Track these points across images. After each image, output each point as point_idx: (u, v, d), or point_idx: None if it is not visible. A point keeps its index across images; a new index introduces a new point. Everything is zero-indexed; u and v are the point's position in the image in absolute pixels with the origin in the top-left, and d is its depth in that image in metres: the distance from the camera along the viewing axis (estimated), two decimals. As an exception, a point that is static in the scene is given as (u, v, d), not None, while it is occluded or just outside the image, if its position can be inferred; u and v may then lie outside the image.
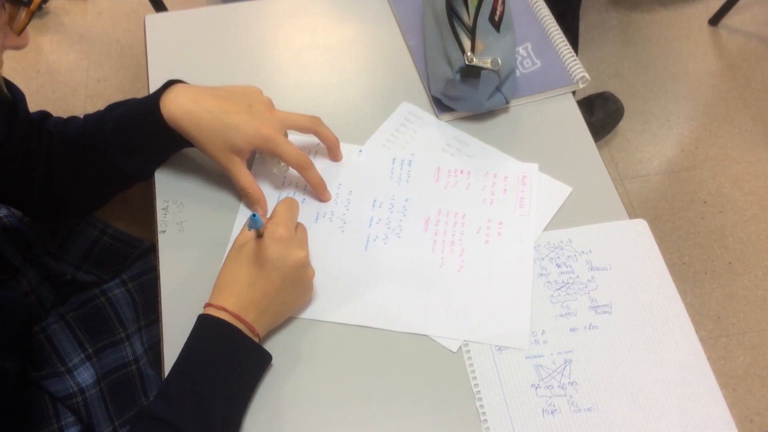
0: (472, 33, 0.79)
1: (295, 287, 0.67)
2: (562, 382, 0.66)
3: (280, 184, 0.80)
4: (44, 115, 0.81)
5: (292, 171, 0.78)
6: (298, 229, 0.70)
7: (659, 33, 2.04)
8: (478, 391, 0.66)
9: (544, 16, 0.92)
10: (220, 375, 0.63)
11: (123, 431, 0.81)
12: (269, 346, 0.68)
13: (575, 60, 0.87)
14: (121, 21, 2.10)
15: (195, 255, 0.75)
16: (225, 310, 0.64)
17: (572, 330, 0.69)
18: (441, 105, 0.85)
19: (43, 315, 0.86)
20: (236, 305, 0.65)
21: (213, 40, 0.94)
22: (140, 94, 0.76)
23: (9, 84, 0.74)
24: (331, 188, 0.79)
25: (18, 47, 0.64)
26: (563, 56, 0.88)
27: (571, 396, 0.65)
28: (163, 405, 0.61)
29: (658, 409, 0.65)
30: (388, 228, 0.77)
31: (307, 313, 0.71)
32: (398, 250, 0.75)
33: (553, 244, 0.75)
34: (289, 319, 0.70)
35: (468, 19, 0.81)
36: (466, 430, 0.64)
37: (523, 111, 0.86)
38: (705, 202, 1.72)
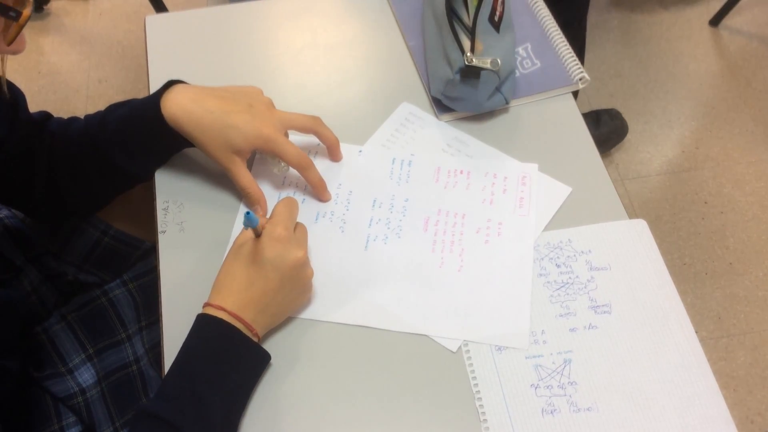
0: (471, 33, 0.79)
1: (293, 287, 0.67)
2: (561, 382, 0.66)
3: (280, 184, 0.80)
4: (46, 116, 0.81)
5: (292, 171, 0.78)
6: (298, 228, 0.70)
7: (660, 34, 2.04)
8: (478, 391, 0.66)
9: (544, 17, 0.92)
10: (218, 374, 0.63)
11: (124, 431, 0.81)
12: (268, 345, 0.68)
13: (575, 60, 0.87)
14: (122, 22, 2.10)
15: (195, 255, 0.75)
16: (223, 309, 0.64)
17: (572, 330, 0.69)
18: (441, 105, 0.85)
19: (44, 315, 0.86)
20: (234, 305, 0.65)
21: (213, 41, 0.95)
22: (141, 95, 0.76)
23: (9, 84, 0.74)
24: (331, 188, 0.79)
25: (13, 53, 0.65)
26: (563, 56, 0.88)
27: (570, 396, 0.65)
28: (162, 404, 0.61)
29: (658, 409, 0.65)
30: (388, 228, 0.77)
31: (307, 313, 0.71)
32: (398, 250, 0.75)
33: (553, 244, 0.75)
34: (288, 319, 0.71)
35: (468, 20, 0.82)
36: (466, 430, 0.65)
37: (523, 111, 0.86)
38: (706, 203, 1.72)
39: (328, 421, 0.65)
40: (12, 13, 0.60)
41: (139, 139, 0.75)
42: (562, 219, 0.77)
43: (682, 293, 0.71)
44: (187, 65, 0.92)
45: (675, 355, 0.68)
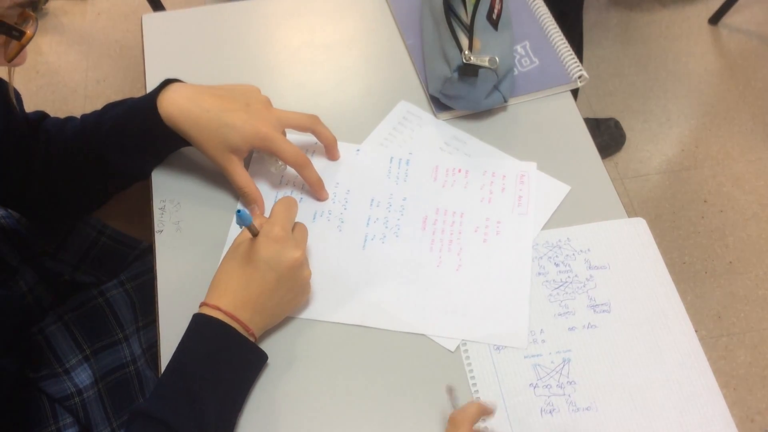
0: (469, 31, 0.79)
1: (290, 288, 0.67)
2: (560, 382, 0.66)
3: (278, 183, 0.80)
4: (42, 116, 0.80)
5: (289, 170, 0.78)
6: (297, 228, 0.70)
7: (659, 32, 2.04)
8: (476, 391, 0.65)
9: (543, 15, 0.92)
10: (213, 373, 0.62)
11: (121, 432, 0.81)
12: (265, 345, 0.68)
13: (574, 58, 0.87)
14: (120, 22, 2.10)
15: (192, 255, 0.75)
16: (219, 309, 0.64)
17: (570, 329, 0.69)
18: (439, 104, 0.85)
19: (40, 316, 0.86)
20: (231, 304, 0.64)
21: (211, 40, 0.94)
22: (139, 95, 0.76)
23: (2, 82, 0.74)
24: (329, 187, 0.79)
25: (13, 66, 0.65)
26: (562, 54, 0.88)
27: (569, 395, 0.65)
28: (157, 404, 0.61)
29: (657, 409, 0.64)
30: (386, 227, 0.76)
31: (304, 313, 0.71)
32: (396, 249, 0.75)
33: (552, 243, 0.74)
34: (285, 319, 0.70)
35: (466, 18, 0.81)
36: (465, 429, 0.64)
37: (522, 109, 0.86)
38: (705, 201, 1.72)
39: (326, 421, 0.65)
40: (15, 33, 0.60)
41: (135, 138, 0.75)
42: (560, 218, 0.77)
43: (682, 292, 0.71)
44: (185, 64, 0.91)
45: (674, 353, 0.67)
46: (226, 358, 0.63)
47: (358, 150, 0.83)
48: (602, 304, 0.70)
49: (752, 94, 1.90)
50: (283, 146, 0.74)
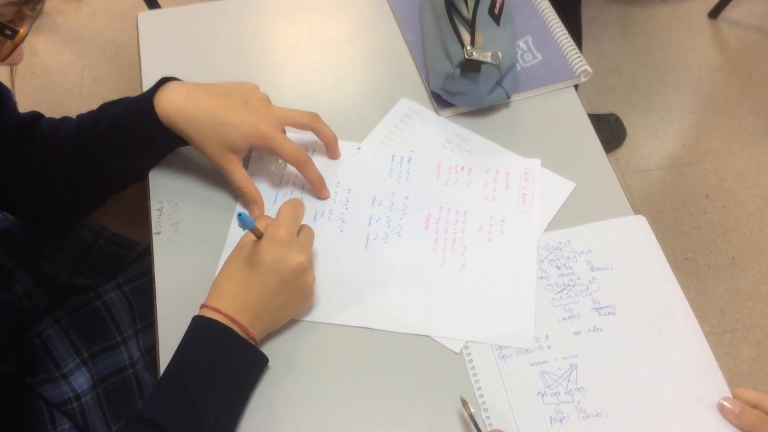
0: (471, 26, 0.78)
1: (293, 292, 0.65)
2: (568, 388, 0.64)
3: (278, 182, 0.79)
4: (36, 116, 0.79)
5: (290, 168, 0.76)
6: (303, 232, 0.68)
7: (659, 26, 2.03)
8: (484, 402, 0.64)
9: (545, 9, 0.90)
10: (212, 377, 0.61)
11: (120, 437, 0.79)
12: (266, 348, 0.67)
13: (577, 53, 0.86)
14: (116, 21, 2.08)
15: (191, 256, 0.73)
16: (219, 311, 0.63)
17: (576, 333, 0.67)
18: (440, 100, 0.84)
19: (37, 319, 0.85)
20: (231, 307, 0.63)
21: (208, 37, 0.93)
22: (135, 95, 0.74)
23: None
24: (330, 187, 0.78)
25: (9, 65, 0.63)
26: (565, 49, 0.87)
27: (578, 402, 0.64)
28: (154, 408, 0.60)
29: (668, 412, 0.63)
30: (388, 227, 0.75)
31: (306, 315, 0.70)
32: (399, 249, 0.74)
33: (552, 245, 0.73)
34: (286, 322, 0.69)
35: (467, 12, 0.80)
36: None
37: (525, 105, 0.85)
38: (707, 197, 1.70)
39: (328, 425, 0.64)
40: (8, 32, 0.59)
41: (132, 138, 0.74)
42: (565, 215, 0.75)
43: (685, 288, 0.70)
44: (181, 62, 0.90)
45: (683, 354, 0.66)
46: (226, 361, 0.62)
47: (359, 148, 0.81)
48: (607, 306, 0.69)
49: (753, 88, 1.88)
50: (282, 144, 0.73)
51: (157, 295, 0.71)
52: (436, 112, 0.84)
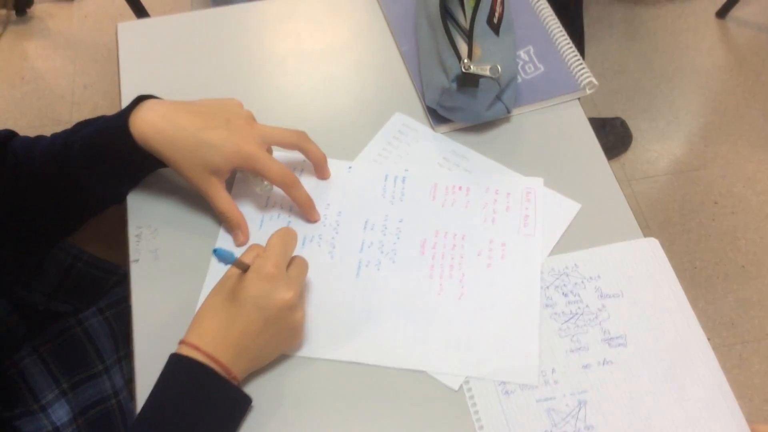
0: (468, 37, 0.73)
1: (279, 331, 0.61)
2: (577, 427, 0.60)
3: (264, 205, 0.74)
4: (9, 135, 0.75)
5: (276, 190, 0.73)
6: (294, 265, 0.64)
7: (665, 27, 1.98)
8: None
9: (547, 16, 0.86)
10: (190, 420, 0.57)
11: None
12: (249, 386, 0.63)
13: (581, 63, 0.81)
14: (108, 25, 2.04)
15: (170, 286, 0.69)
16: (198, 349, 0.59)
17: (585, 367, 0.63)
18: (437, 116, 0.79)
19: (14, 348, 0.81)
20: (210, 344, 0.59)
21: (191, 49, 0.88)
22: (126, 102, 0.70)
23: None
24: (319, 209, 0.74)
25: None
26: (568, 60, 0.82)
27: (587, 442, 0.59)
28: None
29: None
30: (381, 252, 0.71)
31: (293, 350, 0.65)
32: (392, 276, 0.69)
33: (558, 270, 0.68)
34: (271, 358, 0.65)
35: (464, 22, 0.76)
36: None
37: (526, 121, 0.80)
38: (716, 203, 1.66)
39: (317, 473, 0.60)
40: None
41: (106, 161, 0.69)
42: (571, 238, 0.71)
43: (693, 299, 0.66)
44: (163, 76, 0.86)
45: (699, 389, 0.62)
46: (205, 404, 0.58)
47: (350, 167, 0.77)
48: (617, 337, 0.64)
49: (762, 90, 1.84)
50: (267, 165, 0.68)
51: (134, 327, 0.67)
52: (432, 128, 0.80)
